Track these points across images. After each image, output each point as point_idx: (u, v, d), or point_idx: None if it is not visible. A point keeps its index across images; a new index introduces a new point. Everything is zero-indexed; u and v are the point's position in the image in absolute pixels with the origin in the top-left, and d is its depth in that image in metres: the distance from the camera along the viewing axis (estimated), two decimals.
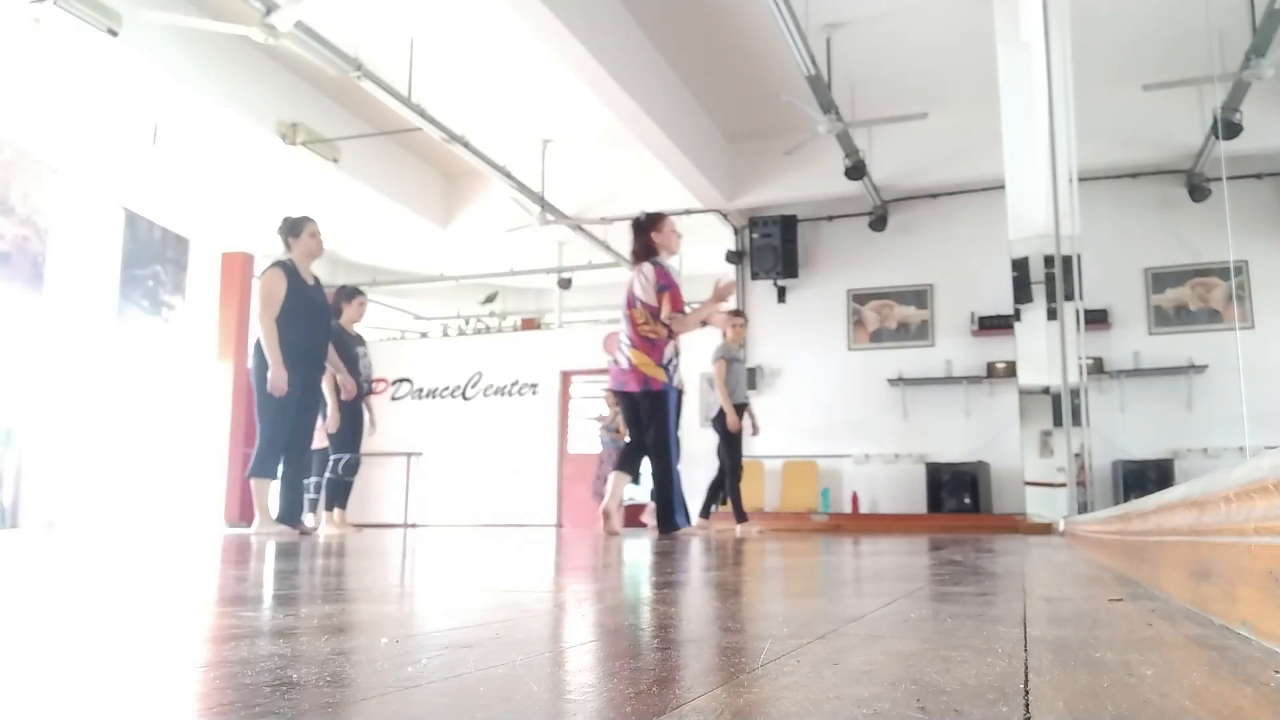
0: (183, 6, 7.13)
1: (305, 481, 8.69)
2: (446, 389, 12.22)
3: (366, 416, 6.71)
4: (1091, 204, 8.06)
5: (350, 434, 6.55)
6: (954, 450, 9.43)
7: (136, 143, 8.50)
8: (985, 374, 9.44)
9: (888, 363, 9.93)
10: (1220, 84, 7.31)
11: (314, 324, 5.41)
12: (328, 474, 6.56)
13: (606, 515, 5.51)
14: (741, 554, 3.35)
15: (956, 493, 9.08)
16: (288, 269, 5.32)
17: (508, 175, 9.47)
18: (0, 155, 8.49)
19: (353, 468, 6.60)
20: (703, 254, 11.60)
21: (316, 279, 5.55)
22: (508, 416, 11.84)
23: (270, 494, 5.29)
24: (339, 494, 6.62)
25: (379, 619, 1.19)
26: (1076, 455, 6.78)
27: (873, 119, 8.39)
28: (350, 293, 6.79)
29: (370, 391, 6.83)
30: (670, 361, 5.42)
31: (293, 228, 5.49)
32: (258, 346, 5.24)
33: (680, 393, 5.66)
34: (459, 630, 1.07)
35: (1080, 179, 6.90)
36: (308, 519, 8.43)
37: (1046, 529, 6.79)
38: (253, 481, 5.23)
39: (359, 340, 6.77)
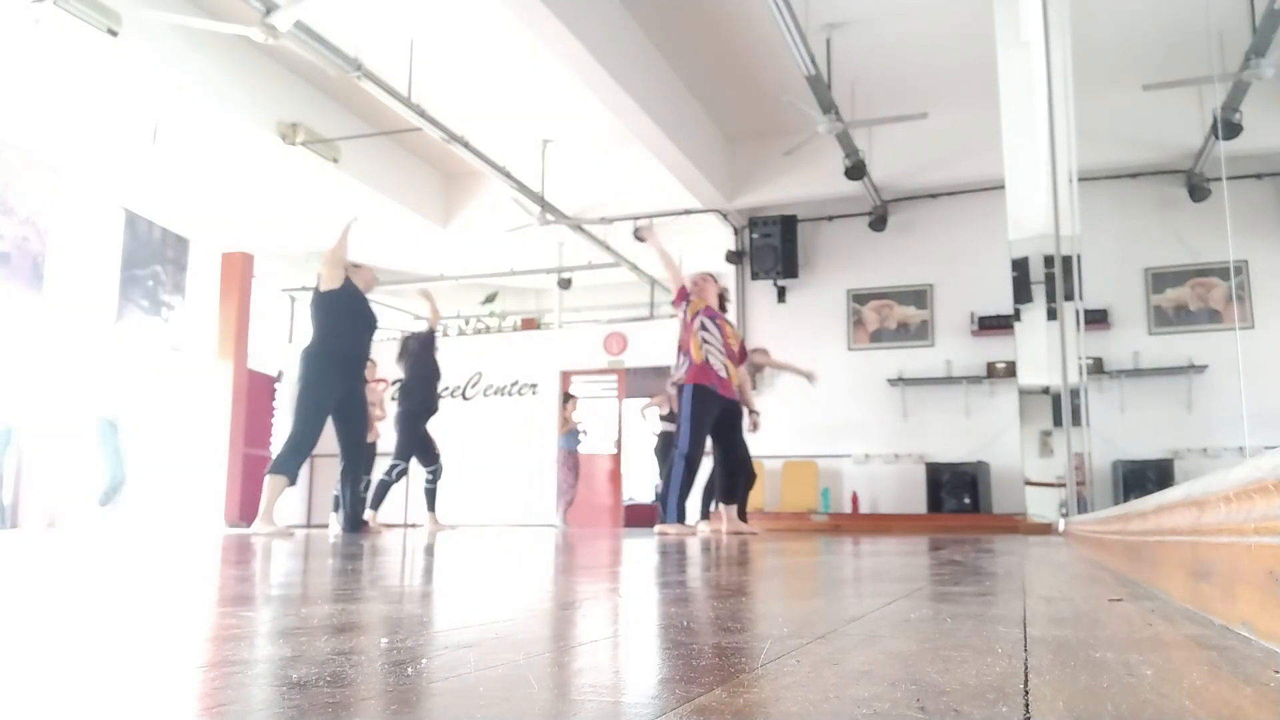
0: (183, 6, 7.13)
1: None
2: (446, 389, 12.17)
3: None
4: (1091, 204, 8.06)
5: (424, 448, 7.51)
6: (954, 450, 9.43)
7: (136, 143, 8.50)
8: (985, 374, 9.44)
9: (888, 363, 9.92)
10: (1220, 84, 7.31)
11: (357, 328, 5.68)
12: (424, 484, 7.57)
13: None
14: (741, 555, 3.35)
15: (956, 493, 9.08)
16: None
17: (508, 175, 9.47)
18: (0, 155, 8.49)
19: (436, 475, 7.59)
20: (703, 254, 11.61)
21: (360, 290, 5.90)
22: (508, 416, 11.84)
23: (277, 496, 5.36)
24: (429, 499, 7.65)
25: (379, 619, 1.19)
26: (1076, 454, 6.78)
27: (873, 119, 8.39)
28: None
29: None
30: None
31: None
32: (305, 354, 5.48)
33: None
34: (459, 630, 1.07)
35: (1080, 179, 6.90)
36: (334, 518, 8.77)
37: (1046, 529, 6.79)
38: (268, 478, 5.29)
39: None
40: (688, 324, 6.25)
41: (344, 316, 5.60)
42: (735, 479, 6.57)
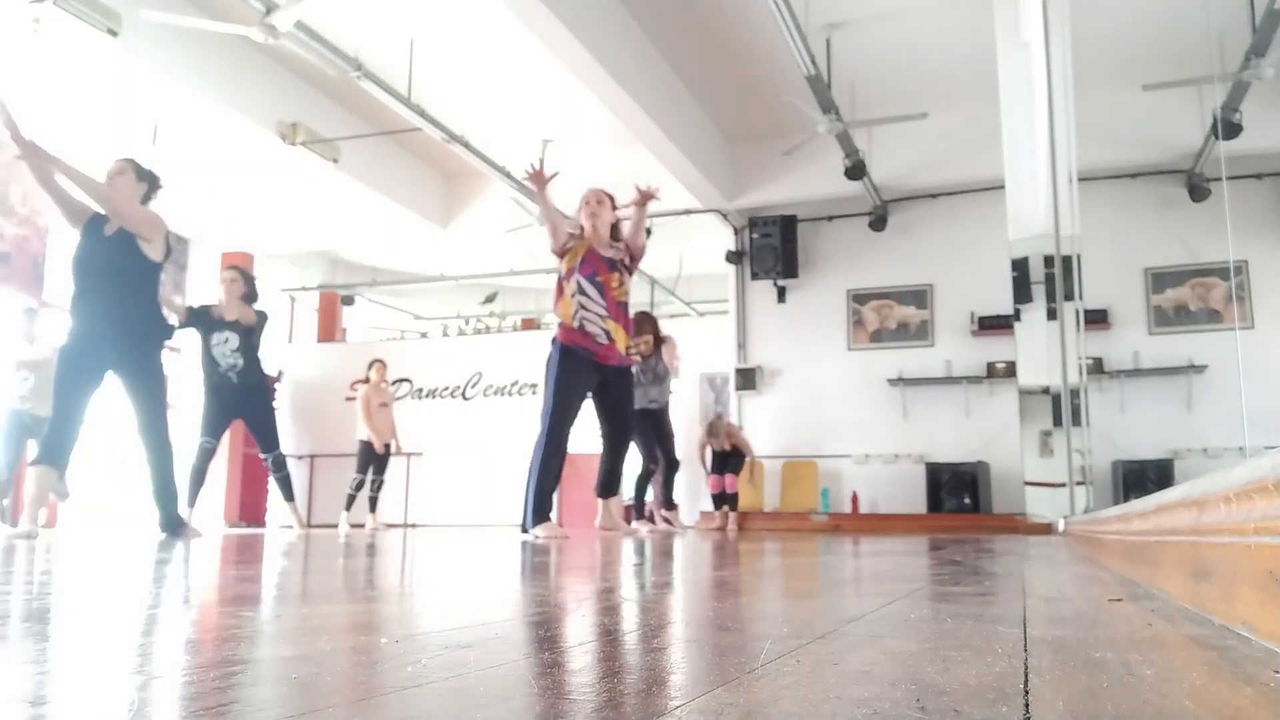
0: (183, 6, 7.13)
1: (357, 477, 8.55)
2: (446, 389, 12.21)
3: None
4: (1091, 204, 8.06)
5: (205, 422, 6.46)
6: (954, 450, 9.43)
7: (136, 143, 8.50)
8: (985, 374, 9.44)
9: (888, 363, 9.92)
10: (1220, 84, 7.31)
11: (105, 281, 4.69)
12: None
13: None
14: (740, 554, 3.35)
15: (956, 493, 9.08)
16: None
17: (508, 175, 9.47)
18: (0, 155, 8.49)
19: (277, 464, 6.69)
20: (703, 254, 11.61)
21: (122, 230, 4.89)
22: (508, 416, 11.83)
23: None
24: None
25: (379, 619, 1.19)
26: (1077, 452, 6.78)
27: (873, 119, 8.39)
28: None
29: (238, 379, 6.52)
30: None
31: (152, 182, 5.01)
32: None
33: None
34: (459, 630, 1.07)
35: (1080, 179, 6.90)
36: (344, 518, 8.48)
37: (1046, 529, 6.79)
38: (35, 470, 4.58)
39: (234, 324, 6.55)
40: (559, 284, 5.28)
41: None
42: (616, 466, 5.52)
